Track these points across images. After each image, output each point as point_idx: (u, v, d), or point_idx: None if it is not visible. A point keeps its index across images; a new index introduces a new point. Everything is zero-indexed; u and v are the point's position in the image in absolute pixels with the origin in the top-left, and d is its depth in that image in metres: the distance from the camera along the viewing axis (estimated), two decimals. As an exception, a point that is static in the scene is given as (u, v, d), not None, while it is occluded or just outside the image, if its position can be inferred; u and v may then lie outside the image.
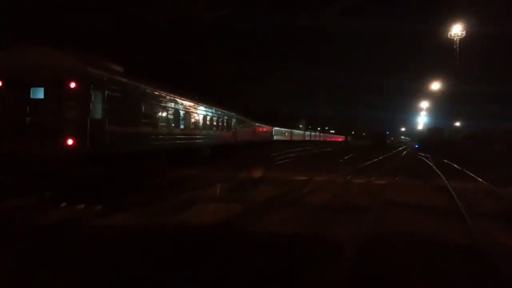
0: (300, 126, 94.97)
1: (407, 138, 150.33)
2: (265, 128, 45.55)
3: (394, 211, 8.90)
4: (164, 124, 14.91)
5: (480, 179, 15.31)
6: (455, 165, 22.33)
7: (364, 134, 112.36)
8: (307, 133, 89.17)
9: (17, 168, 9.47)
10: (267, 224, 7.33)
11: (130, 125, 12.19)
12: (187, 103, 17.50)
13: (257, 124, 39.78)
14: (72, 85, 9.67)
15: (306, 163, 22.55)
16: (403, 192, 11.72)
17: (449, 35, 56.13)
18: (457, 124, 61.77)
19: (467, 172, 18.24)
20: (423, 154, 36.01)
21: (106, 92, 10.69)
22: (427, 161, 26.63)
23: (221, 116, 23.57)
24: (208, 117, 20.82)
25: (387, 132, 73.90)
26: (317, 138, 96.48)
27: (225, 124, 24.53)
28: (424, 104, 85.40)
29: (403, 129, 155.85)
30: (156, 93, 14.39)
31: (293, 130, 71.24)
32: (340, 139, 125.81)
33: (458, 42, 55.40)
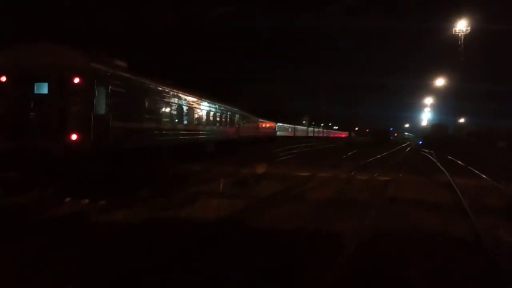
0: (304, 122, 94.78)
1: (411, 135, 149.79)
2: (268, 124, 45.50)
3: (397, 207, 8.88)
4: (167, 119, 14.92)
5: (483, 176, 15.26)
6: (459, 162, 22.26)
7: (367, 130, 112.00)
8: (311, 129, 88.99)
9: (21, 163, 9.51)
10: (270, 219, 7.34)
11: (133, 120, 12.21)
12: (190, 98, 17.50)
13: (260, 120, 39.75)
14: (76, 80, 9.69)
15: (309, 159, 22.53)
16: (406, 189, 11.70)
17: (453, 31, 55.76)
18: (461, 120, 61.47)
19: (470, 168, 18.18)
20: (426, 151, 35.91)
21: (110, 87, 10.70)
22: (431, 158, 26.56)
23: (224, 111, 23.56)
24: (212, 113, 20.81)
25: (391, 128, 73.64)
26: (321, 134, 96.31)
27: (228, 119, 24.52)
28: (428, 101, 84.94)
29: (407, 125, 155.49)
30: (160, 88, 14.39)
31: (296, 126, 71.12)
32: (343, 135, 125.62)
33: (462, 38, 55.04)
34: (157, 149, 14.10)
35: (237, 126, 26.83)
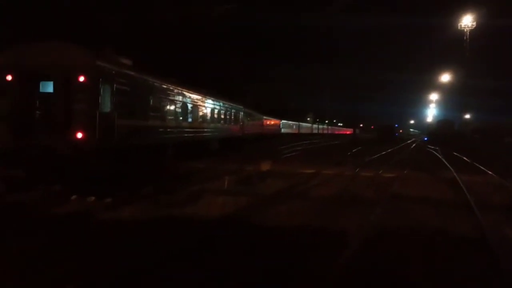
0: (308, 119, 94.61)
1: (416, 131, 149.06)
2: (272, 121, 45.47)
3: (402, 204, 8.86)
4: (172, 117, 14.95)
5: (490, 172, 15.17)
6: (465, 158, 22.13)
7: (372, 127, 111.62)
8: (315, 126, 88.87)
9: (27, 161, 9.58)
10: (274, 217, 7.35)
11: (138, 118, 12.25)
12: (194, 96, 17.52)
13: (264, 117, 39.73)
14: (81, 78, 9.73)
15: (313, 156, 22.50)
16: (411, 185, 11.66)
17: (459, 27, 55.35)
18: (467, 116, 61.09)
19: (476, 165, 18.07)
20: (432, 147, 35.74)
21: (115, 85, 10.73)
22: (436, 154, 26.43)
23: (228, 109, 23.56)
24: (216, 110, 20.82)
25: (396, 125, 73.17)
26: (325, 131, 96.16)
27: (232, 117, 24.53)
28: (434, 97, 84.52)
29: (412, 121, 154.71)
30: (164, 86, 14.41)
31: (300, 123, 71.03)
32: (348, 132, 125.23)
33: (468, 33, 54.61)
34: (162, 146, 14.15)
35: (241, 123, 26.83)
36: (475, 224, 7.07)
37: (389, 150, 28.84)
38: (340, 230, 6.50)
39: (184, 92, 16.30)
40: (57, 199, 8.39)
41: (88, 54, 10.22)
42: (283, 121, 54.36)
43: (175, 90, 15.37)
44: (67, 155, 9.51)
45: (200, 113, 18.36)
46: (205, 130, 19.05)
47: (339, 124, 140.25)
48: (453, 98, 74.53)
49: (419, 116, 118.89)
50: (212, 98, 20.27)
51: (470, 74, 55.57)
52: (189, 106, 16.81)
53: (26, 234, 6.00)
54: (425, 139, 62.74)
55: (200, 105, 18.25)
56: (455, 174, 14.06)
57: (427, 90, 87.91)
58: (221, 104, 21.97)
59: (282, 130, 53.47)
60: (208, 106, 19.38)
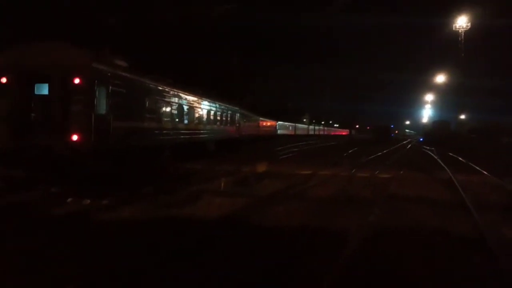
0: (304, 120, 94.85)
1: (412, 132, 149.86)
2: (269, 122, 45.52)
3: (399, 204, 8.89)
4: (168, 119, 14.94)
5: (485, 172, 15.26)
6: (460, 158, 22.25)
7: (368, 127, 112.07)
8: (311, 127, 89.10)
9: (26, 161, 9.54)
10: (272, 217, 7.36)
11: (134, 120, 12.22)
12: (190, 97, 17.51)
13: (261, 118, 39.77)
14: (77, 80, 9.70)
15: (310, 157, 22.54)
16: (408, 186, 11.71)
17: (454, 27, 55.70)
18: (462, 117, 61.40)
19: (472, 165, 18.17)
20: (428, 148, 35.90)
21: (111, 87, 10.71)
22: (432, 155, 26.55)
23: (225, 110, 23.57)
24: (212, 112, 20.82)
25: (391, 126, 73.51)
26: (321, 132, 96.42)
27: (229, 118, 24.53)
28: (429, 97, 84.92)
29: (407, 122, 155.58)
30: (160, 88, 14.40)
31: (297, 124, 71.20)
32: (344, 133, 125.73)
33: (463, 34, 54.97)
34: (158, 148, 14.13)
35: (237, 125, 26.84)
36: (473, 224, 7.11)
37: (385, 151, 28.93)
38: (339, 230, 6.51)
39: (180, 94, 16.29)
40: (57, 199, 8.38)
41: (84, 55, 10.21)
42: (279, 122, 54.44)
43: (171, 92, 15.36)
44: (66, 155, 9.49)
45: (196, 115, 18.35)
46: (202, 131, 19.05)
47: (335, 125, 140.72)
48: (449, 99, 75.06)
49: (415, 117, 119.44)
50: (209, 100, 20.27)
51: (466, 74, 55.92)
52: (185, 107, 16.80)
53: (26, 234, 5.98)
54: (421, 139, 63.00)
55: (196, 107, 18.24)
56: (450, 174, 14.13)
57: (422, 91, 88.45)
58: (217, 105, 21.97)
59: (279, 132, 53.55)
60: (204, 108, 19.38)
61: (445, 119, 66.70)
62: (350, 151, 28.04)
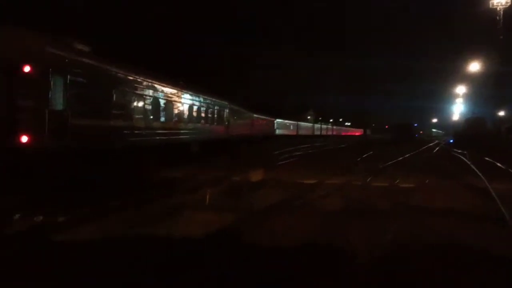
0: (308, 117, 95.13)
1: (440, 131, 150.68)
2: (265, 120, 45.62)
3: (423, 220, 8.91)
4: (140, 116, 14.91)
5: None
6: (499, 164, 22.38)
7: (387, 126, 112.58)
8: (317, 126, 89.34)
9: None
10: (269, 237, 7.35)
11: (98, 117, 12.19)
12: (169, 90, 17.51)
13: (255, 115, 39.85)
14: (27, 69, 9.64)
15: (315, 163, 22.58)
16: (434, 198, 11.75)
17: (490, 5, 56.14)
18: (502, 113, 61.72)
19: (513, 172, 18.29)
20: (459, 151, 36.09)
21: (69, 77, 10.67)
22: (465, 159, 26.69)
23: (211, 106, 23.58)
24: (195, 107, 20.83)
25: (415, 124, 73.97)
26: (329, 132, 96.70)
27: (215, 115, 24.56)
28: (461, 89, 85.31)
29: (434, 120, 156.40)
30: (131, 78, 14.38)
31: (299, 123, 71.39)
32: (357, 133, 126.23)
33: (502, 12, 55.42)
34: (129, 151, 14.08)
35: (226, 123, 26.87)
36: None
37: (407, 155, 29.05)
38: (349, 253, 6.51)
39: (156, 85, 16.28)
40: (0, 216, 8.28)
41: (36, 38, 10.16)
42: (277, 120, 54.56)
43: (144, 83, 15.34)
44: (9, 163, 9.41)
45: (176, 111, 18.35)
46: (182, 131, 19.04)
47: (346, 123, 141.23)
48: (485, 91, 75.40)
49: (444, 114, 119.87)
50: (191, 93, 20.28)
51: (506, 61, 56.17)
52: (162, 102, 16.80)
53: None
54: (451, 141, 63.33)
55: (175, 101, 18.25)
56: (487, 183, 14.19)
57: (453, 82, 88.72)
58: (201, 99, 21.99)
59: (277, 131, 53.66)
60: (185, 102, 19.39)
61: (480, 115, 67.05)
62: (364, 156, 28.13)
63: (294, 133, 65.52)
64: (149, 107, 15.57)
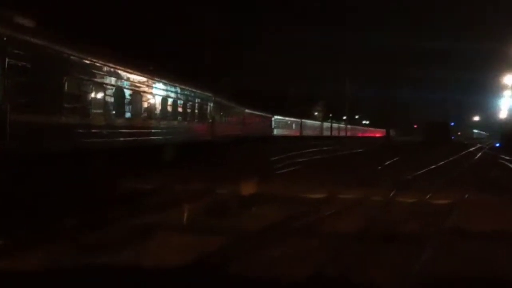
0: (316, 114, 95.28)
1: (483, 132, 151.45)
2: (260, 117, 45.66)
3: (462, 246, 8.94)
4: (100, 110, 14.88)
5: None
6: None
7: (416, 126, 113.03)
8: (326, 124, 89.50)
9: None
10: (265, 267, 7.34)
11: (46, 112, 12.14)
12: (136, 77, 17.49)
13: (247, 110, 39.88)
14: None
15: (324, 172, 22.59)
16: (476, 217, 11.78)
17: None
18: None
19: None
20: (507, 158, 36.25)
21: (7, 59, 10.63)
22: (514, 168, 26.83)
23: (190, 98, 23.57)
24: (170, 100, 20.81)
25: (451, 123, 74.31)
26: (342, 133, 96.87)
27: (196, 110, 24.52)
28: (510, 79, 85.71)
29: (476, 118, 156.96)
30: (87, 61, 14.34)
31: (304, 120, 71.49)
32: (378, 135, 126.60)
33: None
34: (85, 155, 14.03)
35: (210, 120, 26.85)
36: None
37: (441, 163, 29.16)
38: (366, 285, 6.52)
39: (119, 71, 16.24)
40: None
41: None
42: (276, 117, 54.64)
43: (105, 68, 15.31)
44: None
45: (145, 105, 18.33)
46: (153, 130, 19.02)
47: (363, 121, 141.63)
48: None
49: (488, 110, 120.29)
50: (164, 81, 20.26)
51: None
52: (127, 93, 16.76)
53: None
54: (497, 145, 63.63)
55: (144, 92, 18.23)
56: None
57: (500, 70, 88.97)
58: (178, 90, 21.97)
59: (275, 131, 53.74)
60: (157, 94, 19.37)
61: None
62: (387, 163, 28.19)
63: (297, 133, 65.62)
64: (111, 99, 15.53)
